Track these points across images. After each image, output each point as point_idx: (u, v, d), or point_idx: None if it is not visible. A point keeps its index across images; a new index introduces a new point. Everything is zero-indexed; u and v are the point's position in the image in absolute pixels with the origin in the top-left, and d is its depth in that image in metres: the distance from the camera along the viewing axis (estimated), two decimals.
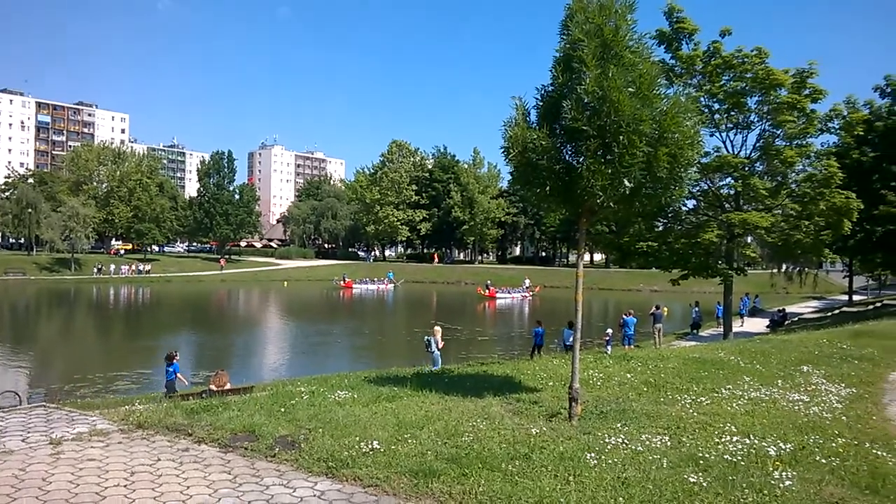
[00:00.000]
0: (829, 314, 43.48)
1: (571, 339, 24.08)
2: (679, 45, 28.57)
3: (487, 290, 71.93)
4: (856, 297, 55.57)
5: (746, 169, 27.98)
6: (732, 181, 28.55)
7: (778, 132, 27.95)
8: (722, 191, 29.90)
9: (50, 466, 6.58)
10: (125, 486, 6.13)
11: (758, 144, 28.61)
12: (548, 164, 9.18)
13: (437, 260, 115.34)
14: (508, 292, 73.74)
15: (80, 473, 6.40)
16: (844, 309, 46.37)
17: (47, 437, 7.55)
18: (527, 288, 75.75)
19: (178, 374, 18.17)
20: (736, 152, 28.61)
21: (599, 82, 8.60)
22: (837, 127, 29.19)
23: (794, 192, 28.40)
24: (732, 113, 28.18)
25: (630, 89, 8.69)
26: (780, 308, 42.40)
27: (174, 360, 18.19)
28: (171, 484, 6.22)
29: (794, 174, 28.65)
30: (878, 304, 46.75)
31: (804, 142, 27.80)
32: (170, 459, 6.95)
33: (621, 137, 8.60)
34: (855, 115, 30.17)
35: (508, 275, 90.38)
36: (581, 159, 8.96)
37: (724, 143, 29.01)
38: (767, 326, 35.85)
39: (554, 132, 9.30)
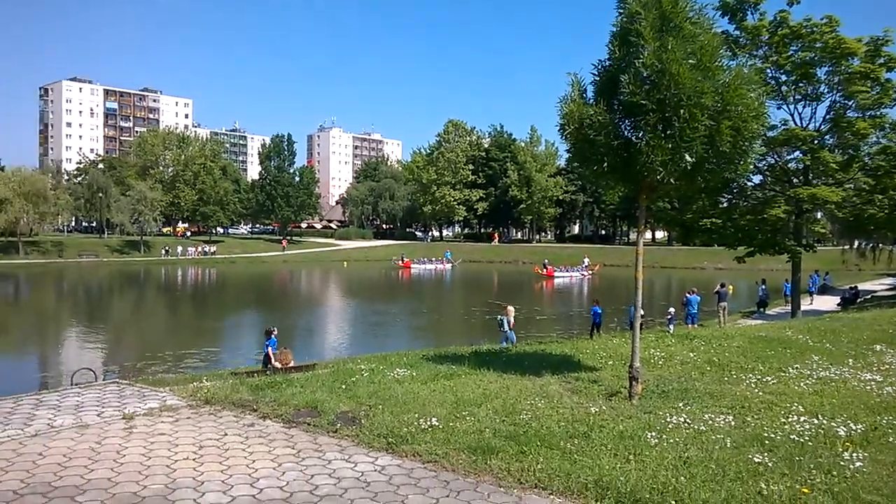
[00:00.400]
0: None
1: None
2: (744, 15, 27.55)
3: (545, 270, 71.38)
4: None
5: (816, 142, 26.92)
6: (801, 155, 27.55)
7: (850, 103, 26.78)
8: (789, 165, 28.87)
9: (123, 440, 6.87)
10: (194, 459, 6.37)
11: (828, 116, 27.47)
12: (605, 140, 9.02)
13: (496, 239, 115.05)
14: (567, 271, 73.06)
15: (151, 447, 6.67)
16: None
17: (120, 413, 7.89)
18: (586, 267, 74.87)
19: (270, 349, 18.97)
20: (805, 125, 27.52)
21: (658, 55, 8.41)
22: None
23: (866, 165, 27.20)
24: (801, 84, 27.11)
25: (690, 61, 8.46)
26: (852, 285, 40.86)
27: (272, 336, 19.18)
28: (238, 458, 6.43)
29: (866, 147, 27.43)
30: None
31: (878, 113, 26.55)
32: (236, 434, 7.18)
33: (682, 111, 8.40)
34: None
35: (567, 253, 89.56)
36: (640, 135, 8.80)
37: (791, 115, 27.98)
38: (838, 304, 34.63)
39: (611, 108, 9.14)
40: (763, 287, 34.98)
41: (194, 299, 55.39)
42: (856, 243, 50.61)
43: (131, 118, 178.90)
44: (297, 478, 5.95)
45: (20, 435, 6.98)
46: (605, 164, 9.16)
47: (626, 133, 9.10)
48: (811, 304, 35.88)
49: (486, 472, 6.16)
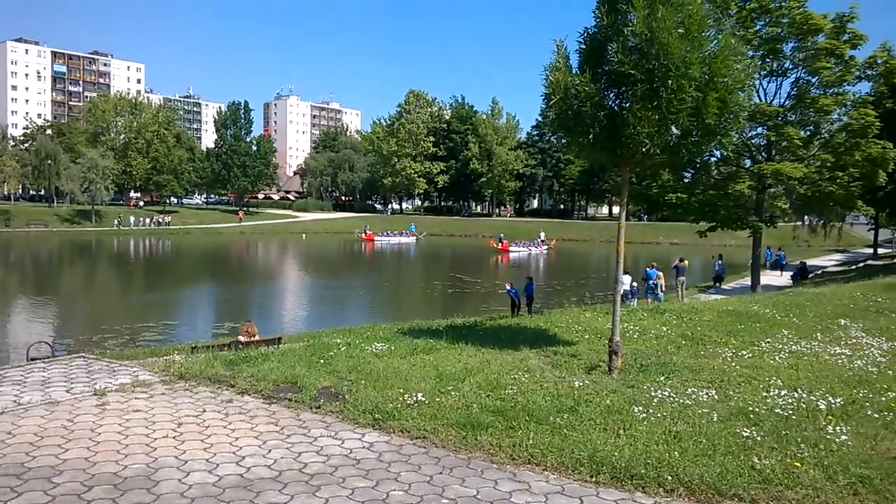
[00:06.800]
0: (854, 267, 42.91)
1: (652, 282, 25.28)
2: None
3: (500, 244, 71.75)
4: (879, 251, 54.79)
5: (780, 118, 27.19)
6: (765, 130, 27.78)
7: (813, 80, 27.04)
8: (753, 140, 29.14)
9: (97, 417, 6.56)
10: (174, 437, 6.10)
11: (792, 92, 27.72)
12: (591, 110, 8.84)
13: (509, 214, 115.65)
14: (522, 245, 73.48)
15: (127, 424, 6.38)
16: (869, 262, 45.75)
17: (91, 388, 7.54)
18: (541, 241, 75.35)
19: (517, 297, 24.42)
20: (769, 101, 27.77)
21: (647, 23, 8.24)
22: (875, 74, 28.17)
23: (828, 141, 27.62)
24: (767, 60, 27.23)
25: (679, 31, 8.31)
26: (801, 261, 41.85)
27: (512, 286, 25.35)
28: (220, 435, 6.19)
29: (827, 124, 27.82)
30: None
31: (840, 90, 26.91)
32: (215, 410, 6.92)
33: (670, 82, 8.26)
34: (893, 62, 29.04)
35: (526, 228, 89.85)
36: (627, 105, 8.64)
37: (756, 90, 28.16)
38: (791, 279, 35.44)
39: (597, 77, 8.94)
40: (720, 262, 35.52)
41: (149, 271, 54.05)
42: (806, 220, 51.74)
43: (80, 82, 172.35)
44: (285, 456, 5.75)
45: None
46: (591, 136, 8.99)
47: (611, 104, 8.94)
48: (780, 275, 36.50)
49: (477, 448, 6.06)
